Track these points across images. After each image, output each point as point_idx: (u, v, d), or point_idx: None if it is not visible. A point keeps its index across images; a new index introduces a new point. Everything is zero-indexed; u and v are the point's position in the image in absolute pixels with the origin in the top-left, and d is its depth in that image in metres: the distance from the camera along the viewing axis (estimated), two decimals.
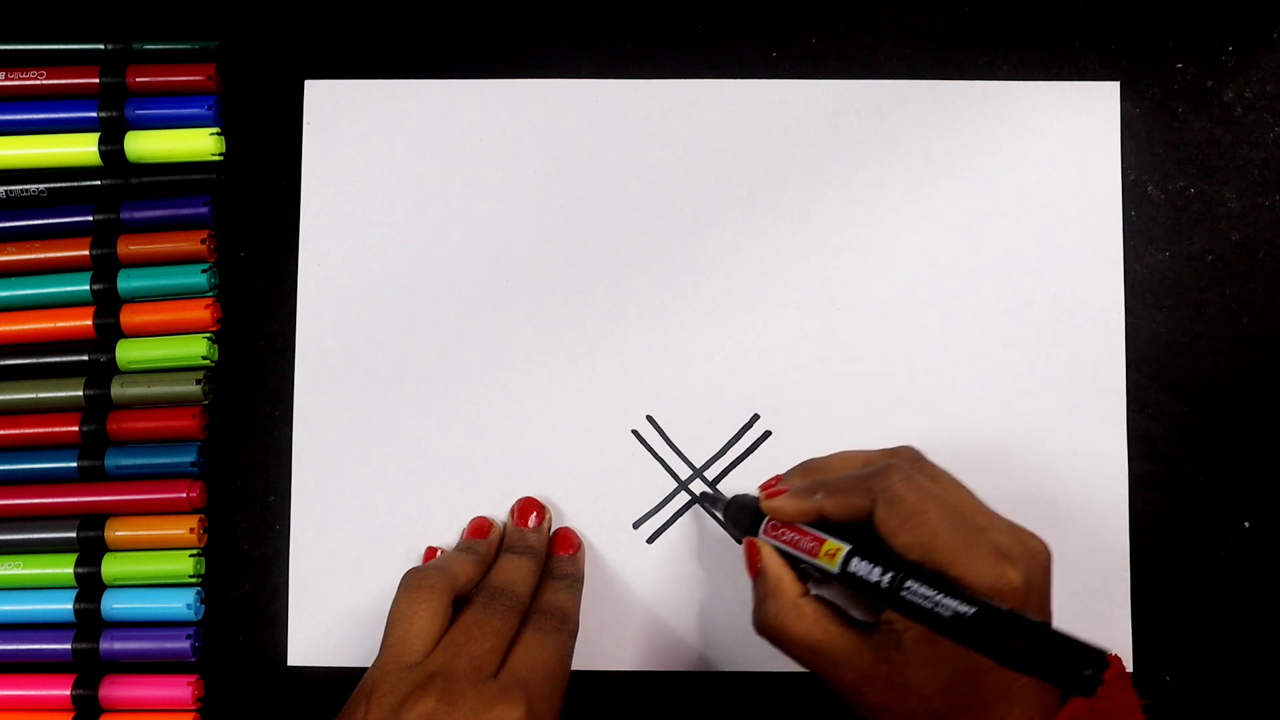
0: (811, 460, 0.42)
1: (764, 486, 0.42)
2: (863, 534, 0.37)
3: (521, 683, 0.38)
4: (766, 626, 0.39)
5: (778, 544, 0.40)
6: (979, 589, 0.34)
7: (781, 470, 0.47)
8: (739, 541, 0.43)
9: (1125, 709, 0.36)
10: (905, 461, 0.39)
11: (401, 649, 0.39)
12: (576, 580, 0.45)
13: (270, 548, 0.47)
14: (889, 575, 0.35)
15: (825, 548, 0.38)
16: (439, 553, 0.46)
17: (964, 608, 0.32)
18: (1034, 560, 0.37)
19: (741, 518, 0.42)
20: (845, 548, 0.37)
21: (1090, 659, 0.30)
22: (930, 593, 0.33)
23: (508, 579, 0.42)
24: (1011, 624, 0.31)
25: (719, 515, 0.46)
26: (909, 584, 0.34)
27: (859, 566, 0.36)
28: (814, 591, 0.39)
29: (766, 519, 0.41)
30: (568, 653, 0.41)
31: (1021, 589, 0.35)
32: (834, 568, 0.37)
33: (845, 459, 0.42)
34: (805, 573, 0.40)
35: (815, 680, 0.46)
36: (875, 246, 0.47)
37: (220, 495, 0.47)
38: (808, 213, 0.48)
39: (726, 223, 0.48)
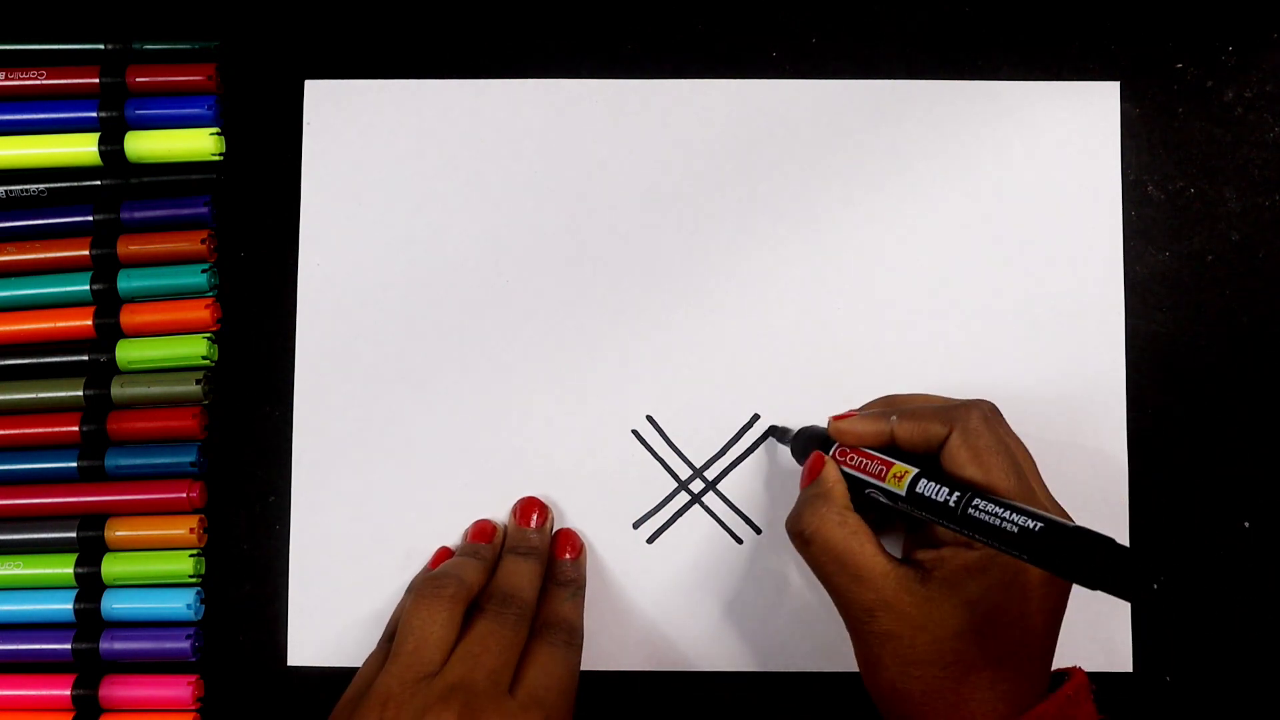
0: (889, 395, 0.44)
1: (835, 417, 0.43)
2: (926, 468, 0.38)
3: (538, 700, 0.38)
4: (805, 526, 0.39)
5: (842, 468, 0.41)
6: None
7: (784, 474, 0.47)
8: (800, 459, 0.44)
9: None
10: (985, 409, 0.40)
11: (418, 659, 0.38)
12: (580, 588, 0.45)
13: (270, 548, 0.47)
14: (956, 494, 0.36)
15: (893, 470, 0.39)
16: (449, 553, 0.46)
17: (1031, 522, 0.33)
18: None
19: (810, 447, 0.43)
20: (913, 470, 0.38)
21: (1154, 571, 0.31)
22: (998, 508, 0.34)
23: (514, 584, 0.42)
24: (1079, 537, 0.31)
25: (787, 446, 0.46)
26: (977, 501, 0.35)
27: (927, 487, 0.37)
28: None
29: (834, 446, 0.42)
30: (577, 667, 0.41)
31: None
32: (901, 489, 0.38)
33: (923, 397, 0.43)
34: (864, 506, 0.40)
35: (814, 680, 0.47)
36: (875, 246, 0.47)
37: (220, 495, 0.47)
38: (808, 213, 0.48)
39: (726, 222, 0.48)
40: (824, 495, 0.40)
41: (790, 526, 0.40)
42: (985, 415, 0.39)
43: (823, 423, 0.44)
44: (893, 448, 0.40)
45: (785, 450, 0.46)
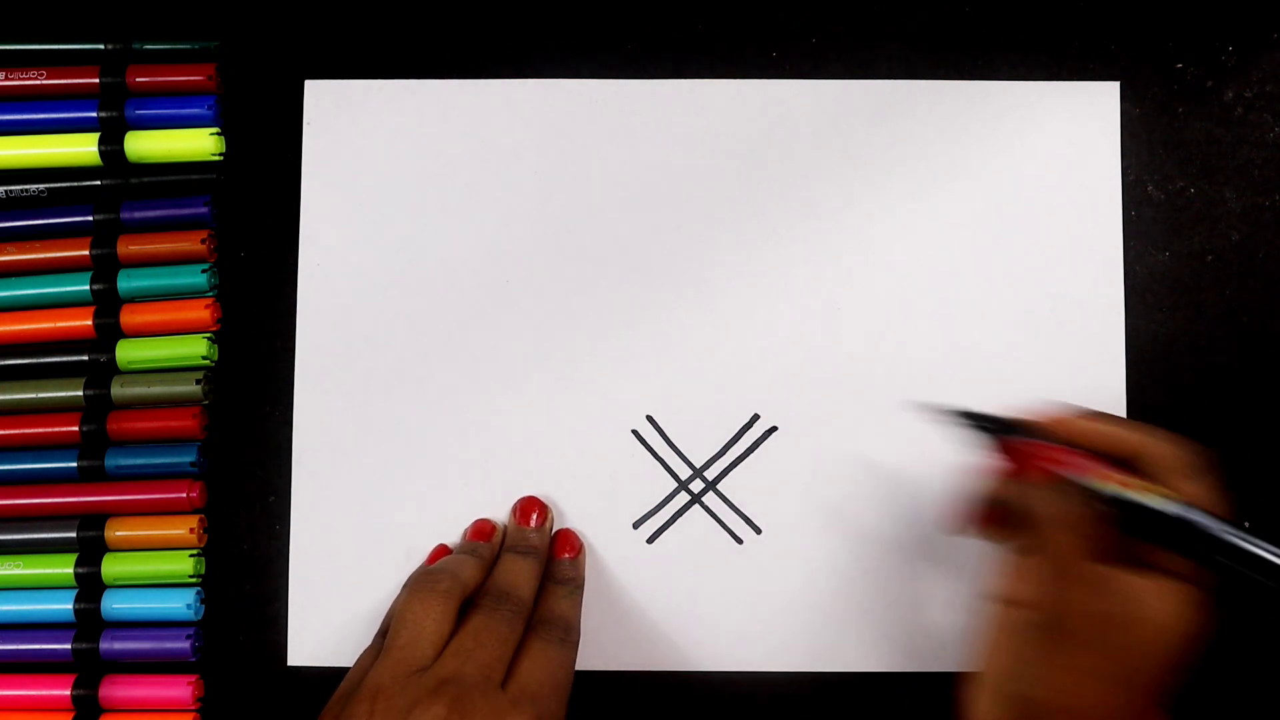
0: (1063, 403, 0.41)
1: (1031, 410, 0.40)
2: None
3: (530, 696, 0.38)
4: (1060, 510, 0.36)
5: (1062, 470, 0.38)
6: None
7: (784, 474, 0.47)
8: (985, 432, 0.40)
9: None
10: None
11: (410, 652, 0.39)
12: (578, 586, 0.45)
13: (270, 548, 0.47)
14: (1182, 506, 0.34)
15: (1124, 478, 0.36)
16: (447, 551, 0.46)
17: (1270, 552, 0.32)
18: None
19: (993, 428, 0.40)
20: (1142, 481, 0.36)
21: None
22: (1229, 528, 0.33)
23: (511, 581, 0.42)
24: None
25: (964, 416, 0.41)
26: (1199, 517, 0.34)
27: (1145, 496, 0.35)
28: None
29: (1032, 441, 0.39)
30: (572, 664, 0.41)
31: None
32: (1133, 495, 0.36)
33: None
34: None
35: (815, 681, 0.47)
36: (875, 246, 0.47)
37: (220, 495, 0.47)
38: (808, 213, 0.48)
39: (726, 222, 0.48)
40: (1081, 493, 0.37)
41: (1052, 508, 0.37)
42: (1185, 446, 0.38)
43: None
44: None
45: (785, 450, 0.46)
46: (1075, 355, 0.47)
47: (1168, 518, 0.35)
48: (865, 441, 0.47)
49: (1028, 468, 0.38)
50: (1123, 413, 0.46)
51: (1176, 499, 0.36)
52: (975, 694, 0.37)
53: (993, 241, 0.47)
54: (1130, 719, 0.35)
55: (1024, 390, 0.47)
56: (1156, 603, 0.35)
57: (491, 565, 0.44)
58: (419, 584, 0.41)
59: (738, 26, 0.48)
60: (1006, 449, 0.39)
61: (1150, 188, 0.48)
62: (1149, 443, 0.38)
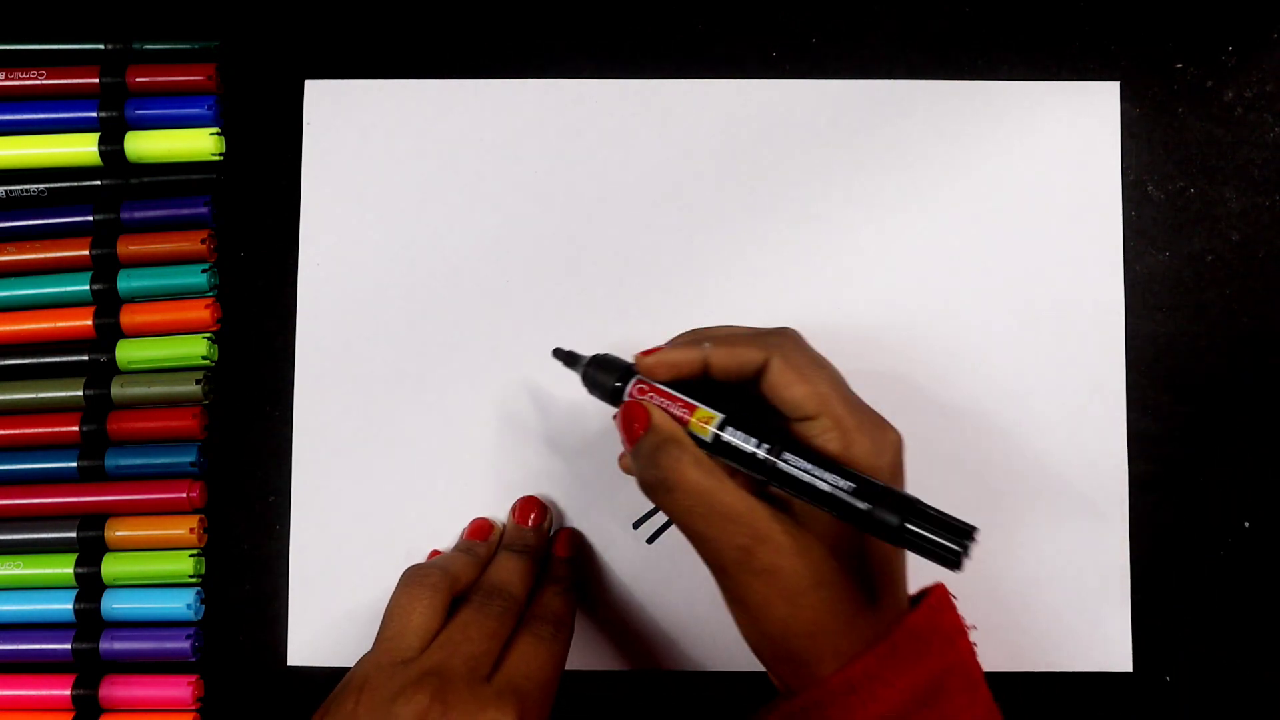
0: (695, 329, 0.41)
1: (643, 352, 0.40)
2: (736, 403, 0.37)
3: (515, 689, 0.38)
4: (659, 475, 0.36)
5: None
6: (861, 451, 0.35)
7: None
8: (609, 402, 0.40)
9: (952, 632, 0.37)
10: (794, 332, 0.39)
11: (397, 644, 0.39)
12: (573, 584, 0.45)
13: (270, 548, 0.47)
14: (765, 446, 0.35)
15: (698, 415, 0.37)
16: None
17: (842, 482, 0.33)
18: (895, 447, 0.37)
19: (606, 380, 0.40)
20: (719, 415, 0.36)
21: (959, 534, 0.31)
22: (807, 465, 0.34)
23: (504, 579, 0.42)
24: (887, 498, 0.32)
25: (578, 374, 0.41)
26: (786, 455, 0.34)
27: (734, 435, 0.36)
28: None
29: (633, 381, 0.39)
30: (561, 660, 0.41)
31: (895, 454, 0.36)
32: (707, 436, 0.36)
33: (729, 328, 0.41)
34: None
35: None
36: (875, 246, 0.47)
37: (220, 495, 0.47)
38: (808, 213, 0.48)
39: (726, 223, 0.48)
40: (671, 438, 0.37)
41: (645, 476, 0.37)
42: (797, 337, 0.38)
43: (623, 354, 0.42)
44: (703, 385, 0.38)
45: None
46: (1075, 355, 0.47)
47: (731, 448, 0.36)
48: None
49: (627, 426, 0.38)
50: (1123, 412, 0.46)
51: (714, 424, 0.36)
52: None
53: (993, 241, 0.47)
54: (837, 615, 0.35)
55: (1024, 390, 0.47)
56: (795, 513, 0.36)
57: (486, 564, 0.44)
58: (408, 577, 0.41)
59: (738, 26, 0.48)
60: (627, 409, 0.39)
61: (1150, 188, 0.48)
62: (732, 355, 0.37)
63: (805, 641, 0.36)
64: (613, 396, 0.40)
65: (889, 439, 0.36)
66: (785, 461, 0.34)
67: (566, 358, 0.43)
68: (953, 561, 0.31)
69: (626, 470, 0.40)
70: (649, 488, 0.37)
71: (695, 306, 0.47)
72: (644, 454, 0.37)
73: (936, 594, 0.37)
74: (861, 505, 0.33)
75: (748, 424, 0.36)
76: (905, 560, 0.37)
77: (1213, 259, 0.47)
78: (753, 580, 0.36)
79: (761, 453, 0.35)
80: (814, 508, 0.35)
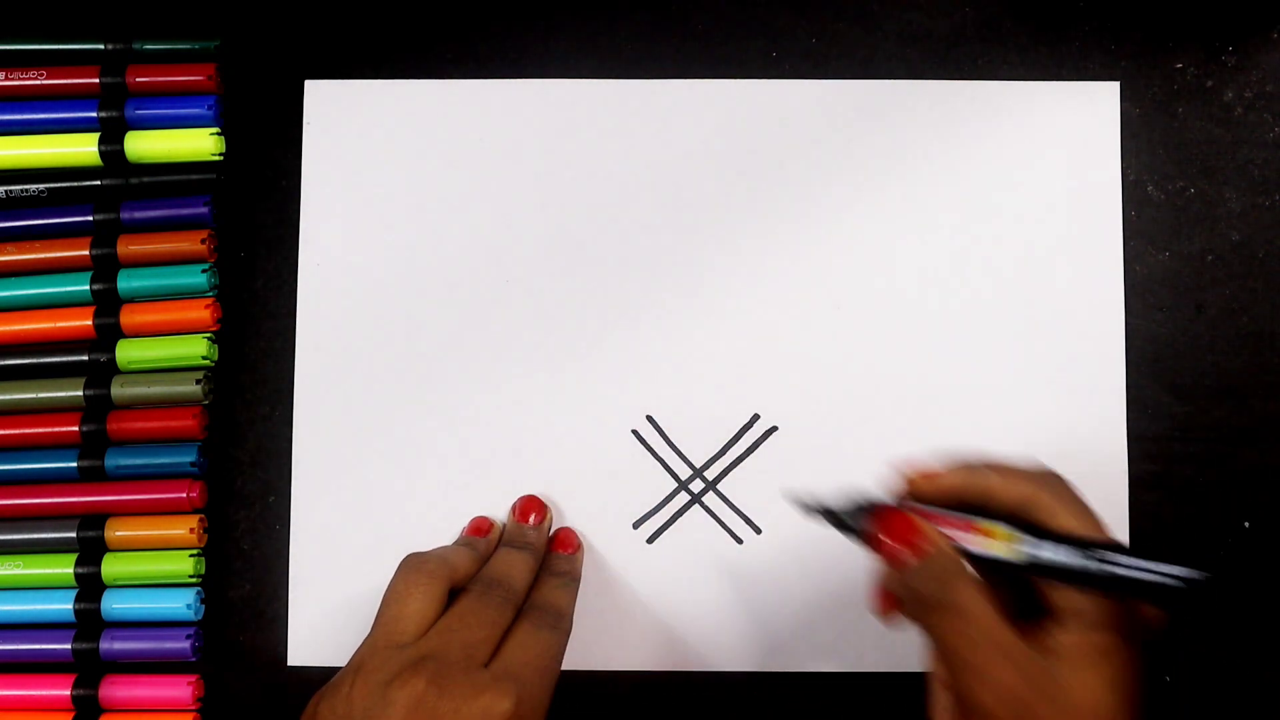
0: (959, 456, 0.39)
1: (909, 471, 0.38)
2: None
3: (512, 675, 0.38)
4: (938, 596, 0.34)
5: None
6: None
7: (784, 474, 0.47)
8: (849, 532, 0.38)
9: None
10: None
11: (393, 629, 0.39)
12: (574, 579, 0.45)
13: (270, 548, 0.47)
14: (1089, 554, 0.32)
15: (997, 535, 0.34)
16: None
17: (1192, 573, 0.31)
18: None
19: (857, 513, 0.38)
20: (1021, 534, 0.34)
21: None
22: (1145, 564, 0.32)
23: (505, 571, 0.42)
24: (1241, 585, 0.31)
25: (830, 515, 0.39)
26: (1117, 559, 0.32)
27: (1048, 549, 0.33)
28: None
29: (902, 505, 0.37)
30: (560, 651, 0.41)
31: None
32: (1008, 552, 0.34)
33: (994, 458, 0.39)
34: None
35: (814, 680, 0.46)
36: (875, 246, 0.47)
37: (220, 495, 0.47)
38: (808, 213, 0.48)
39: (726, 222, 0.48)
40: (953, 562, 0.35)
41: (927, 594, 0.35)
42: (1067, 482, 0.36)
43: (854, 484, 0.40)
44: (962, 508, 0.36)
45: (785, 450, 0.46)
46: (1075, 355, 0.47)
47: (1036, 563, 0.34)
48: (865, 441, 0.47)
49: (888, 550, 0.36)
50: (1122, 412, 0.46)
51: (1015, 540, 0.34)
52: None
53: (993, 241, 0.47)
54: None
55: (1024, 390, 0.46)
56: (1067, 669, 0.33)
57: (485, 559, 0.44)
58: (407, 564, 0.41)
59: (738, 26, 0.48)
60: (868, 533, 0.37)
61: (1150, 188, 0.48)
62: (1007, 484, 0.36)
63: None
64: (860, 521, 0.37)
65: None
66: (1116, 564, 0.32)
67: (804, 504, 0.39)
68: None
69: (886, 602, 0.37)
70: (926, 608, 0.35)
71: (695, 306, 0.47)
72: (927, 573, 0.35)
73: None
74: (1213, 588, 0.31)
75: (1050, 533, 0.34)
76: None
77: (1213, 259, 0.47)
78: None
79: (1086, 562, 0.33)
80: (1102, 662, 0.32)
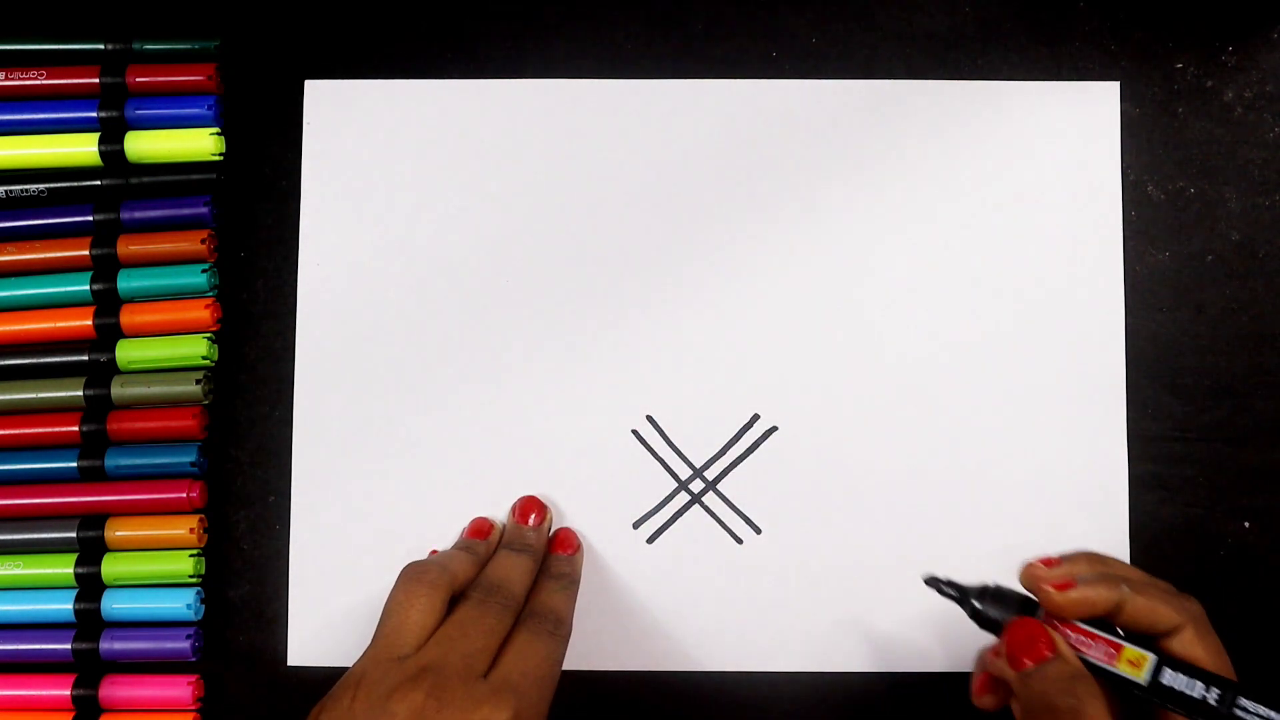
0: (1091, 553, 0.39)
1: (1037, 564, 0.38)
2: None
3: (511, 685, 0.38)
4: (1074, 701, 0.34)
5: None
6: None
7: (784, 474, 0.47)
8: (983, 624, 0.38)
9: None
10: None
11: (394, 640, 0.39)
12: (573, 581, 0.45)
13: (270, 548, 0.47)
14: (1216, 690, 0.33)
15: (1126, 654, 0.35)
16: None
17: None
18: None
19: (1003, 610, 0.38)
20: (1151, 656, 0.35)
21: None
22: (1268, 711, 0.32)
23: (504, 576, 0.42)
24: None
25: (964, 601, 0.39)
26: (1242, 700, 0.33)
27: (1175, 679, 0.34)
28: None
29: (1039, 613, 0.37)
30: (559, 657, 0.41)
31: None
32: (1140, 677, 0.35)
33: (1123, 565, 0.39)
34: None
35: (814, 681, 0.46)
36: (875, 246, 0.47)
37: (220, 495, 0.47)
38: (807, 213, 0.48)
39: (726, 222, 0.48)
40: (1082, 675, 0.35)
41: (1047, 701, 0.35)
42: (1203, 613, 0.36)
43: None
44: (1098, 622, 0.37)
45: (785, 450, 0.46)
46: (1075, 355, 0.47)
47: (1178, 694, 0.34)
48: (865, 441, 0.47)
49: (1023, 650, 0.36)
50: (1122, 412, 0.46)
51: (1148, 665, 0.35)
52: None
53: (993, 241, 0.47)
54: None
55: (1024, 390, 0.46)
56: None
57: (485, 562, 0.44)
58: (407, 574, 0.41)
59: (738, 26, 0.48)
60: (1004, 628, 0.37)
61: (1150, 188, 0.48)
62: (1149, 608, 0.36)
63: None
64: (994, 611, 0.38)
65: None
66: (1243, 709, 0.33)
67: (945, 588, 0.39)
68: None
69: (986, 690, 0.38)
70: (1049, 713, 0.35)
71: (695, 306, 0.47)
72: (1055, 680, 0.35)
73: None
74: None
75: (1182, 668, 0.35)
76: None
77: (1213, 259, 0.47)
78: None
79: (1213, 698, 0.33)
80: None
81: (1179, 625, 0.36)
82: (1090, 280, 0.47)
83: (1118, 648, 0.35)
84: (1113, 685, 0.35)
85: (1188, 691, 0.34)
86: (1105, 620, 0.37)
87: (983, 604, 0.38)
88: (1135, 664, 0.35)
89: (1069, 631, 0.36)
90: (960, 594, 0.39)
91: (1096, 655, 0.36)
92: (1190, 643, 0.36)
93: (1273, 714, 0.32)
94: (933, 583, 0.39)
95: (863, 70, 0.48)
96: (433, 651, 0.38)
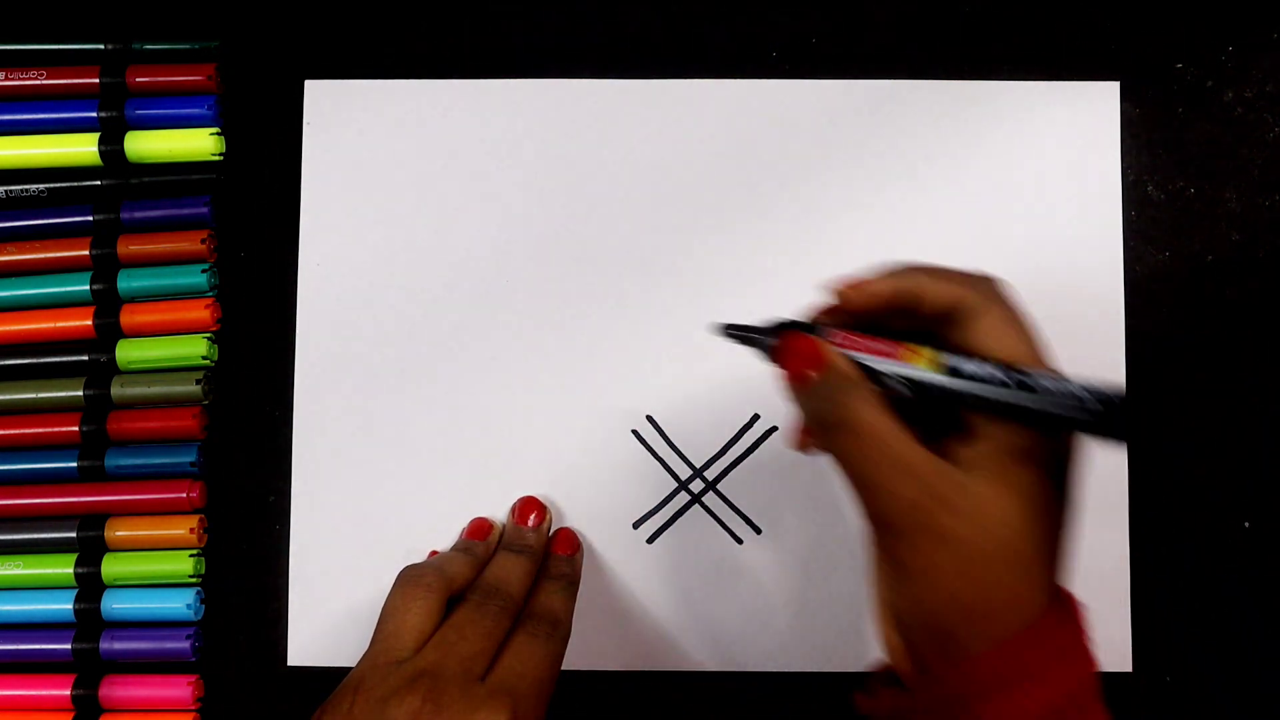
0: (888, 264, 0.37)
1: (837, 282, 0.37)
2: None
3: (508, 688, 0.38)
4: (835, 415, 0.33)
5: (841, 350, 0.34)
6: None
7: (784, 474, 0.47)
8: (763, 352, 0.36)
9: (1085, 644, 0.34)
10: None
11: (392, 644, 0.39)
12: (572, 582, 0.45)
13: (270, 548, 0.47)
14: (1003, 370, 0.32)
15: (924, 354, 0.33)
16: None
17: (1093, 397, 0.30)
18: None
19: (772, 334, 0.36)
20: (930, 349, 0.33)
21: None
22: (1057, 383, 0.31)
23: (502, 578, 0.42)
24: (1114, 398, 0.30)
25: (760, 343, 0.37)
26: (1031, 375, 0.31)
27: (966, 364, 0.32)
28: None
29: (825, 332, 0.35)
30: (557, 659, 0.41)
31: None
32: (930, 370, 0.33)
33: (923, 264, 0.36)
34: None
35: (814, 680, 0.46)
36: (875, 246, 0.47)
37: (220, 495, 0.47)
38: (807, 213, 0.48)
39: (726, 223, 0.48)
40: (847, 378, 0.34)
41: (824, 415, 0.34)
42: (1006, 286, 0.35)
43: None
44: (879, 326, 0.35)
45: (785, 450, 0.46)
46: (1075, 355, 0.47)
47: (939, 387, 0.33)
48: None
49: (793, 371, 0.35)
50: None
51: (939, 358, 0.33)
52: (878, 628, 0.35)
53: (993, 241, 0.47)
54: (1007, 592, 0.32)
55: None
56: (976, 480, 0.32)
57: (485, 564, 0.44)
58: (404, 578, 0.41)
59: (738, 26, 0.48)
60: (777, 354, 0.35)
61: (1150, 188, 0.48)
62: (936, 285, 0.34)
63: (963, 616, 0.32)
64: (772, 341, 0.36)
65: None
66: (1031, 378, 0.31)
67: (745, 334, 0.37)
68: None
69: (803, 435, 0.36)
70: (824, 428, 0.34)
71: (695, 306, 0.47)
72: (822, 393, 0.34)
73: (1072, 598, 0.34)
74: (1112, 407, 0.30)
75: (966, 355, 0.33)
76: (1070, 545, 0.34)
77: (1213, 259, 0.47)
78: (923, 543, 0.32)
79: (1006, 376, 0.31)
80: (1017, 469, 0.32)
81: (968, 297, 0.34)
82: (1090, 280, 0.47)
83: (897, 344, 0.33)
84: (921, 395, 0.33)
85: (979, 373, 0.32)
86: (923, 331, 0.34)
87: (763, 335, 0.36)
88: (924, 358, 0.33)
89: (848, 337, 0.34)
90: (755, 334, 0.37)
91: (880, 353, 0.34)
92: (993, 321, 0.33)
93: (1067, 383, 0.31)
94: (726, 331, 0.37)
95: (863, 70, 0.48)
96: (430, 655, 0.38)
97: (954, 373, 0.32)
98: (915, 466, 0.32)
